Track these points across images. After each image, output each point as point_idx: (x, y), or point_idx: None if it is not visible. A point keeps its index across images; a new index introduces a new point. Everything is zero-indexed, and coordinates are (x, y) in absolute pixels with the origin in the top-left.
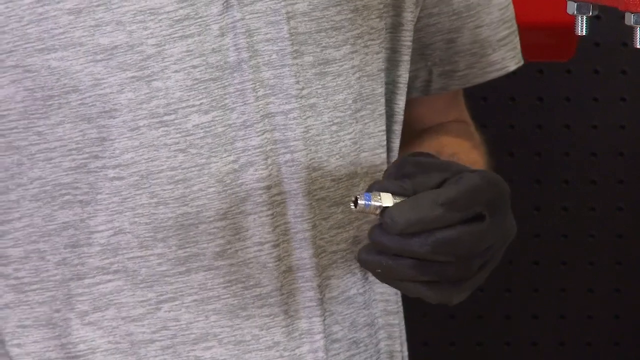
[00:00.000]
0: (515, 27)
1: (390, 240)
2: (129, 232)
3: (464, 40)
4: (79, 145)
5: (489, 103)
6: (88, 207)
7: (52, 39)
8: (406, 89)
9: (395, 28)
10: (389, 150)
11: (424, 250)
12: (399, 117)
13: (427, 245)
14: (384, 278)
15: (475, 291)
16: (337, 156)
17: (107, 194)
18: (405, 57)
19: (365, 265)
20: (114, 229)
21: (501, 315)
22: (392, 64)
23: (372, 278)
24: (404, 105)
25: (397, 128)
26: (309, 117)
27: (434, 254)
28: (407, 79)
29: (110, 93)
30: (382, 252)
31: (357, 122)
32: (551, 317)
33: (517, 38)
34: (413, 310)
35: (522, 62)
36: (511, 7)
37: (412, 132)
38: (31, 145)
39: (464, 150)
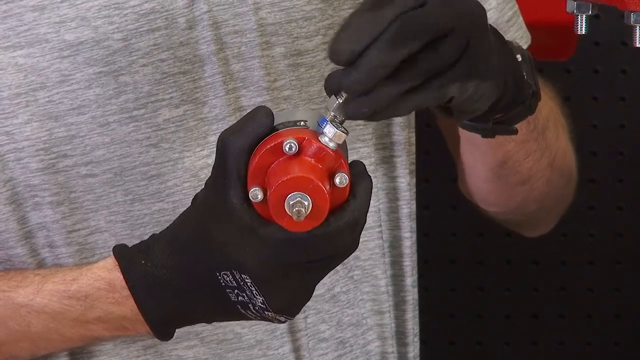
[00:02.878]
0: (517, 5)
1: (356, 76)
2: (105, 231)
3: None
4: (47, 145)
5: None
6: (61, 207)
7: (18, 36)
8: None
9: None
10: (393, 143)
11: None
12: None
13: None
14: (380, 110)
15: (474, 290)
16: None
17: (80, 192)
18: None
19: (355, 117)
20: (90, 227)
21: (501, 315)
22: None
23: (357, 277)
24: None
25: (401, 120)
26: (283, 109)
27: (401, 39)
28: None
29: (78, 89)
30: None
31: None
32: (551, 317)
33: (521, 17)
34: None
35: (530, 41)
36: None
37: None
38: (0, 146)
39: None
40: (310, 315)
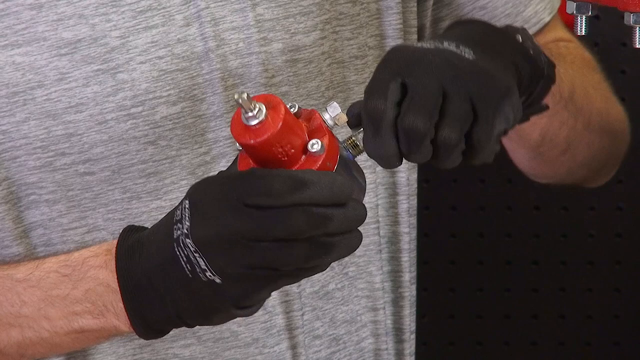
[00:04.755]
0: None
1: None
2: (103, 229)
3: (496, 3)
4: (44, 143)
5: None
6: (58, 205)
7: (15, 35)
8: None
9: (380, 13)
10: None
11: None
12: None
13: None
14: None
15: (474, 291)
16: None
17: (78, 189)
18: (398, 42)
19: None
20: (88, 225)
21: (501, 315)
22: (383, 50)
23: (352, 273)
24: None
25: None
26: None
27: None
28: None
29: (76, 87)
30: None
31: None
32: (550, 317)
33: None
34: None
35: (555, 10)
36: None
37: None
38: None
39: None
40: (307, 312)
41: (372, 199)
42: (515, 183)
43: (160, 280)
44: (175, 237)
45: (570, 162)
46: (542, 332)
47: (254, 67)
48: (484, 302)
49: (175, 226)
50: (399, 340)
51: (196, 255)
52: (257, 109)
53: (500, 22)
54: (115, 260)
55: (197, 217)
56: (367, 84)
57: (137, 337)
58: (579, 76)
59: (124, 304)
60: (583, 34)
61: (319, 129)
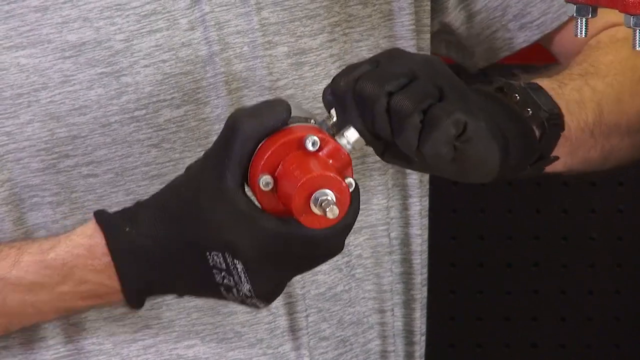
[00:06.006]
0: None
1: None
2: None
3: None
4: (48, 145)
5: None
6: (62, 207)
7: (20, 37)
8: None
9: (392, 14)
10: None
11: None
12: None
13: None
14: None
15: (475, 293)
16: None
17: (82, 192)
18: (411, 42)
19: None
20: None
21: (501, 317)
22: None
23: (359, 275)
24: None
25: None
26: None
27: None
28: None
29: (80, 89)
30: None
31: None
32: (551, 319)
33: None
34: None
35: (565, 17)
36: None
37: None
38: (0, 146)
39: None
40: (312, 314)
41: (383, 200)
42: (516, 186)
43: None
44: (221, 283)
45: (612, 164)
46: (542, 334)
47: (258, 70)
48: (484, 304)
49: (218, 273)
50: (409, 342)
51: (251, 300)
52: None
53: (537, 7)
54: (118, 273)
55: (258, 276)
56: None
57: (141, 338)
58: (614, 86)
59: (127, 300)
60: (583, 36)
61: (348, 163)
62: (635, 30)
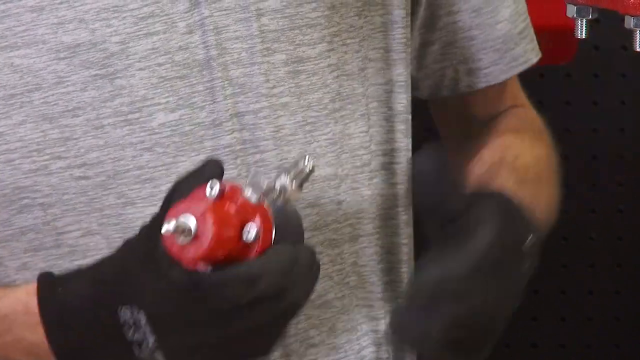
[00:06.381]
0: (528, 18)
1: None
2: (97, 233)
3: (486, 37)
4: (40, 147)
5: None
6: (53, 209)
7: (15, 37)
8: (409, 87)
9: (386, 26)
10: (394, 150)
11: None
12: (403, 116)
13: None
14: None
15: None
16: (312, 157)
17: (73, 194)
18: (402, 55)
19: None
20: (82, 230)
21: None
22: (386, 63)
23: (352, 283)
24: (409, 104)
25: (403, 127)
26: (280, 116)
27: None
28: (409, 77)
29: (74, 91)
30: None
31: (336, 122)
32: (551, 319)
33: (532, 29)
34: None
35: (540, 54)
36: None
37: (471, 129)
38: None
39: (526, 146)
40: (301, 321)
41: (373, 209)
42: None
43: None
44: (132, 339)
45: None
46: (542, 334)
47: (255, 77)
48: None
49: (126, 329)
50: (399, 348)
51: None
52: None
53: (488, 56)
54: (46, 332)
55: (164, 332)
56: (366, 94)
57: None
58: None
59: None
60: (583, 37)
61: (246, 209)
62: (635, 32)
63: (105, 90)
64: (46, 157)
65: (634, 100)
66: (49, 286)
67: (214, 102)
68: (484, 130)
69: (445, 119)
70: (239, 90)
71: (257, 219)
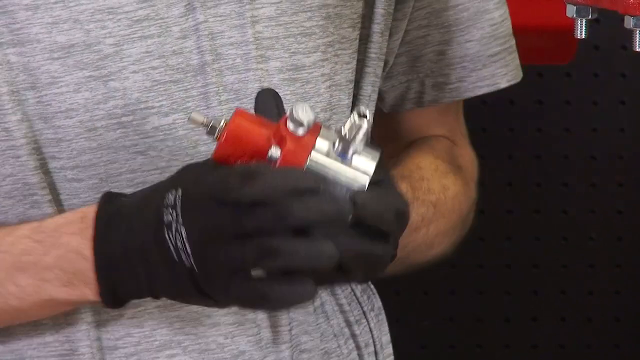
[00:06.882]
0: (510, 44)
1: None
2: None
3: (454, 54)
4: (37, 145)
5: (489, 106)
6: (53, 208)
7: (11, 34)
8: (371, 102)
9: (364, 40)
10: None
11: None
12: None
13: None
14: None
15: (475, 294)
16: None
17: (67, 195)
18: (370, 70)
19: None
20: None
21: (501, 318)
22: (358, 75)
23: (337, 287)
24: (370, 118)
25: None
26: None
27: None
28: (371, 91)
29: (67, 92)
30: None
31: None
32: (551, 320)
33: (513, 55)
34: (412, 313)
35: (516, 80)
36: (506, 23)
37: (403, 143)
38: (1, 141)
39: (437, 174)
40: (294, 326)
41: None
42: (515, 186)
43: (139, 257)
44: (166, 222)
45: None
46: (542, 335)
47: (250, 83)
48: (484, 304)
49: (166, 210)
50: (373, 352)
51: (186, 244)
52: (210, 126)
53: (455, 72)
54: (94, 229)
55: (190, 212)
56: (350, 106)
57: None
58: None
59: (96, 272)
60: (583, 37)
61: (281, 136)
62: (635, 31)
63: (98, 92)
64: (43, 156)
65: (634, 100)
66: (111, 195)
67: (208, 107)
68: (411, 146)
69: (380, 134)
70: (233, 96)
71: (290, 147)
